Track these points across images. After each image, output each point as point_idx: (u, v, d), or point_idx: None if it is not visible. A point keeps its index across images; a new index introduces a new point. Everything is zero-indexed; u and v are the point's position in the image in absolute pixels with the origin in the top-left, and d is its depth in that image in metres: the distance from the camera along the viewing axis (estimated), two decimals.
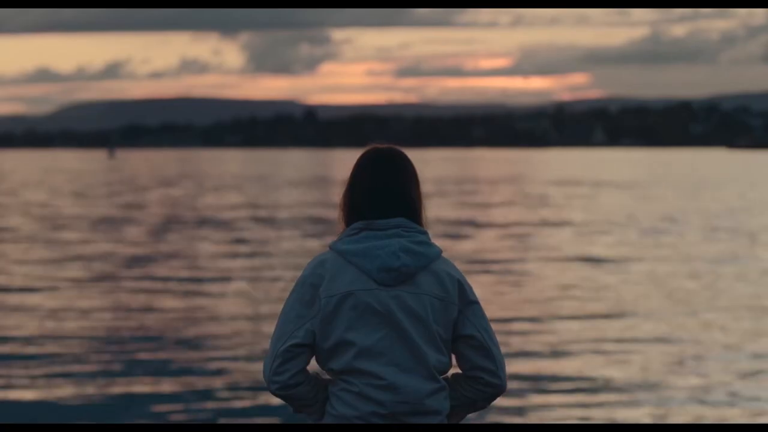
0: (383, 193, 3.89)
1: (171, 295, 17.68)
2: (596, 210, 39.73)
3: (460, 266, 3.97)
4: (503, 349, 4.01)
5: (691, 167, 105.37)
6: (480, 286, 16.95)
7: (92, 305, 16.64)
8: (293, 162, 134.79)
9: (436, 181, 66.12)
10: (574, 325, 14.97)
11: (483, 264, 22.02)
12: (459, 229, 30.75)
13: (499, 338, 3.99)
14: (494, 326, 3.94)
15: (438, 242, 3.94)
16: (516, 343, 13.62)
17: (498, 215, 36.77)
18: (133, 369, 12.18)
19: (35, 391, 11.16)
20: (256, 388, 11.12)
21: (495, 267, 21.61)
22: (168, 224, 32.84)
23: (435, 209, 36.41)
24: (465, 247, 25.62)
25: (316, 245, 25.36)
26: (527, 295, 17.73)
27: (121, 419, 10.14)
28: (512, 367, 11.59)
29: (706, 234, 29.52)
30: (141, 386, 11.37)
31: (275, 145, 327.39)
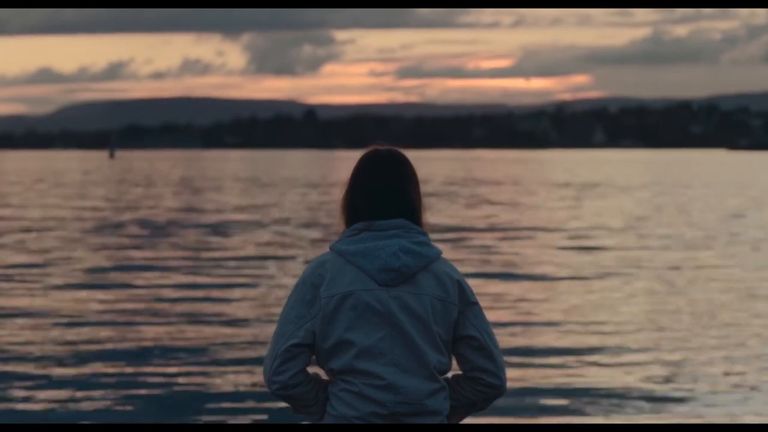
0: (383, 194, 3.91)
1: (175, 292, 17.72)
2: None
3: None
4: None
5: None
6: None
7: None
8: (297, 162, 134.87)
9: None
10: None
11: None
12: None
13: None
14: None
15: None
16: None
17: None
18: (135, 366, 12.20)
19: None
20: (256, 388, 11.14)
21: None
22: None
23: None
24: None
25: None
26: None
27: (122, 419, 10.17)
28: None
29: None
30: (139, 382, 11.39)
31: (275, 146, 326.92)
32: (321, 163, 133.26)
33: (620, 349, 13.26)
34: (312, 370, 3.90)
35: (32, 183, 67.37)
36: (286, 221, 34.00)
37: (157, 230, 30.54)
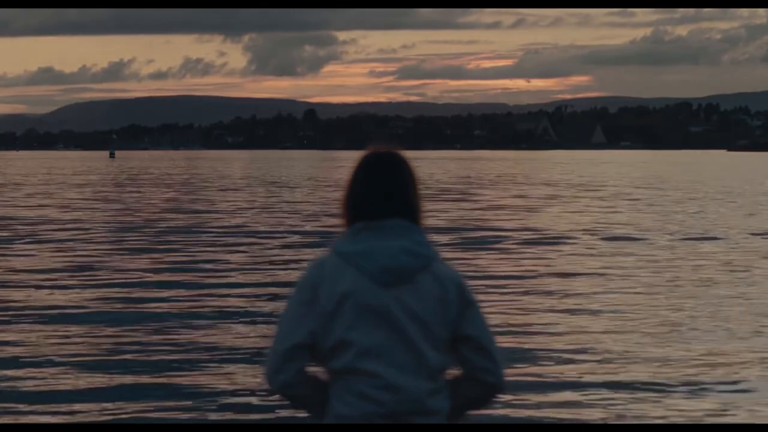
0: (382, 195, 3.93)
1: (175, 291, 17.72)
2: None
3: None
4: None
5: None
6: None
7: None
8: (302, 162, 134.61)
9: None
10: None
11: None
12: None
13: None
14: None
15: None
16: None
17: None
18: (135, 365, 12.22)
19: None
20: (257, 388, 11.15)
21: None
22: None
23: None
24: None
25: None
26: None
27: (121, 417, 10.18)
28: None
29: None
30: (141, 382, 11.41)
31: (276, 146, 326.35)
32: (322, 162, 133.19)
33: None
34: (312, 370, 3.92)
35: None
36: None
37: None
